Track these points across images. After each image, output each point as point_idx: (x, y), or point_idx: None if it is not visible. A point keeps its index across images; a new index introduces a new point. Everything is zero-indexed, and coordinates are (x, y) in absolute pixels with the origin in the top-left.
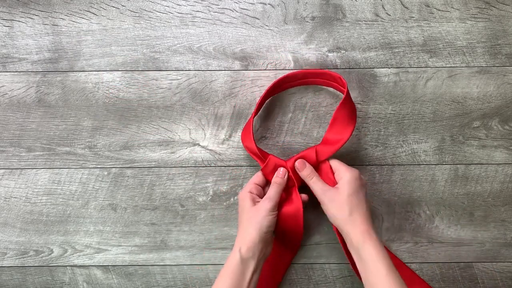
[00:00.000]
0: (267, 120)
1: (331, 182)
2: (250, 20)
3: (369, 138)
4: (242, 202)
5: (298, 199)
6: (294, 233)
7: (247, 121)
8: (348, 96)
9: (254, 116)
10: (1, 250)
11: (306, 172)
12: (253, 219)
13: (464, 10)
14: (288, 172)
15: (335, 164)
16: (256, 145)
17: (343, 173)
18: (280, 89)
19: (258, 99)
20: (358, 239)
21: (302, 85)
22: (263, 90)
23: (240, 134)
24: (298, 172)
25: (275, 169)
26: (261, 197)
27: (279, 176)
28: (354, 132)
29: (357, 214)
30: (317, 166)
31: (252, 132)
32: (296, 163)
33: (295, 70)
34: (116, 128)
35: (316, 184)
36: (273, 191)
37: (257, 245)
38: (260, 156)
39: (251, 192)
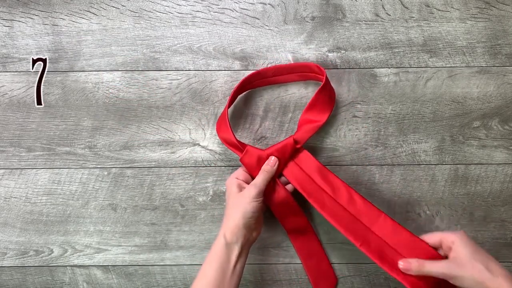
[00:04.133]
0: (267, 120)
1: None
2: (250, 20)
3: (369, 138)
4: (229, 189)
5: (281, 187)
6: (298, 218)
7: (221, 113)
8: (327, 81)
9: (228, 108)
10: (1, 250)
11: (418, 267)
12: (238, 205)
13: (464, 10)
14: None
15: (436, 237)
16: (234, 134)
17: (451, 237)
18: (253, 85)
19: (232, 91)
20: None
21: (278, 83)
22: (263, 90)
23: (237, 133)
24: (407, 272)
25: (253, 158)
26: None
27: (270, 165)
28: (354, 132)
29: (492, 264)
30: (294, 154)
31: (229, 122)
32: (402, 266)
33: (271, 66)
34: (116, 128)
35: (434, 265)
36: (260, 178)
37: (241, 230)
38: (238, 146)
39: (238, 179)
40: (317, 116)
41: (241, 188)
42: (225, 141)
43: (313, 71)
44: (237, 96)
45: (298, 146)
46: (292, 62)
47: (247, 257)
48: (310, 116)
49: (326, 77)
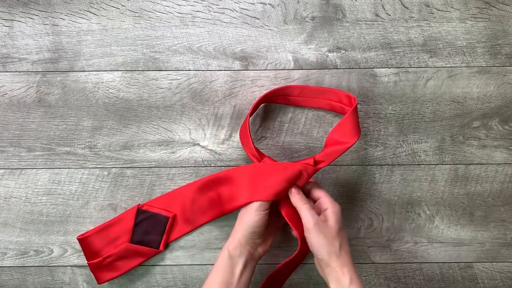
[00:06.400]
0: (267, 120)
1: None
2: (250, 20)
3: (369, 138)
4: None
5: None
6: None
7: (242, 122)
8: (356, 107)
9: (249, 117)
10: (1, 250)
11: (299, 197)
12: (242, 218)
13: (464, 10)
14: None
15: (319, 192)
16: (254, 146)
17: (330, 205)
18: (279, 99)
19: (255, 100)
20: (346, 278)
21: (300, 105)
22: (263, 90)
23: (238, 133)
24: (290, 196)
25: None
26: None
27: None
28: None
29: (344, 251)
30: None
31: (250, 134)
32: (293, 189)
33: (299, 85)
34: (116, 128)
35: (309, 211)
36: None
37: (244, 246)
38: (258, 158)
39: None
40: (345, 137)
41: None
42: (247, 151)
43: (341, 101)
44: (257, 108)
45: (319, 167)
46: (292, 62)
47: (253, 270)
48: (338, 137)
49: (356, 105)
